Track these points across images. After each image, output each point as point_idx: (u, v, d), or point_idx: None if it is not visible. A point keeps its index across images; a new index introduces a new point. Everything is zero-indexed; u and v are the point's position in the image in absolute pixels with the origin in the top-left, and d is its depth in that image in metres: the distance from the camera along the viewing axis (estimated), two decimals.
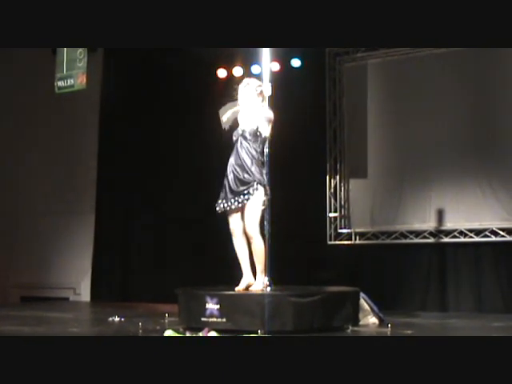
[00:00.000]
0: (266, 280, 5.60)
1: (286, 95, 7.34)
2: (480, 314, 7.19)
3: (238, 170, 5.51)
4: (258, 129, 5.55)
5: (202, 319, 5.29)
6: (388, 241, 8.04)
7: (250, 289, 5.52)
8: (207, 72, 8.56)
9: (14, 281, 9.97)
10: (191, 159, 8.91)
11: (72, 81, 7.81)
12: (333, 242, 8.32)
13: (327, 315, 5.41)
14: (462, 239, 7.64)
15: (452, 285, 7.63)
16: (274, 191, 5.65)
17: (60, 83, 7.91)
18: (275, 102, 5.90)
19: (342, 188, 8.41)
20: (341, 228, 8.34)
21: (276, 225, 5.85)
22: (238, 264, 5.65)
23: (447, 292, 7.63)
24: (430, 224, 7.80)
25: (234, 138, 5.62)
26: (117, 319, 6.39)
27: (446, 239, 7.73)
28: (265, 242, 5.60)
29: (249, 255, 5.61)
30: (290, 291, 5.48)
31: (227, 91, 5.91)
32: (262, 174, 5.52)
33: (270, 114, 5.62)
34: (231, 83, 6.11)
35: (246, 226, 5.48)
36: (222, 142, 5.65)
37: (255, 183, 5.46)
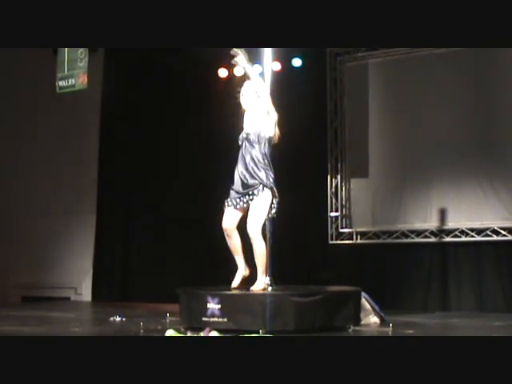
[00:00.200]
0: (267, 280, 5.60)
1: (287, 95, 7.33)
2: (481, 313, 7.19)
3: (245, 174, 5.52)
4: (261, 131, 5.55)
5: (204, 319, 5.29)
6: (389, 240, 8.03)
7: (251, 289, 5.52)
8: (207, 72, 8.55)
9: (14, 281, 9.95)
10: (191, 159, 8.91)
11: (73, 81, 7.81)
12: (334, 242, 8.31)
13: (329, 315, 5.41)
14: (464, 238, 7.63)
15: (453, 284, 7.63)
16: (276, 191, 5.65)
17: (61, 83, 7.91)
18: (276, 101, 5.89)
19: (343, 187, 8.40)
20: (342, 227, 8.34)
21: (277, 224, 5.85)
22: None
23: (448, 291, 7.63)
24: (431, 223, 7.80)
25: (239, 142, 5.63)
26: (118, 319, 6.40)
27: (448, 238, 7.72)
28: (266, 242, 5.61)
29: (242, 248, 5.62)
30: (291, 291, 5.48)
31: (228, 91, 5.91)
32: (268, 177, 5.51)
33: (275, 114, 5.62)
34: (232, 83, 6.11)
35: (248, 226, 5.46)
36: (222, 142, 5.65)
37: (261, 185, 5.46)
